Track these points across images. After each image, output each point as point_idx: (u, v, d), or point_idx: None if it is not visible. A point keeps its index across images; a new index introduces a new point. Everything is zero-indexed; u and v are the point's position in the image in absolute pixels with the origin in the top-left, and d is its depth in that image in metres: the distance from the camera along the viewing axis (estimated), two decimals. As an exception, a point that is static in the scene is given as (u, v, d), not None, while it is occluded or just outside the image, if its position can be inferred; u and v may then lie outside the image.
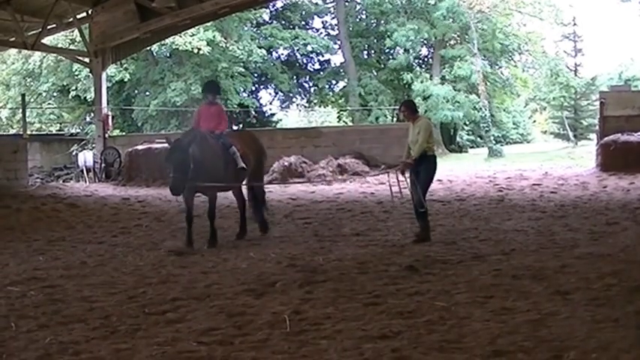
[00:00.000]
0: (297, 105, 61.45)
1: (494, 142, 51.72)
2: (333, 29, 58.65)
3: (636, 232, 14.30)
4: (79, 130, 47.40)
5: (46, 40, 35.01)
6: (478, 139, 62.29)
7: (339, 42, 55.86)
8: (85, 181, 31.46)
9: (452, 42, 56.84)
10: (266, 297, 9.70)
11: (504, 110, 65.72)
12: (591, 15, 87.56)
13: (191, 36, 43.58)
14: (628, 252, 12.18)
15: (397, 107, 14.12)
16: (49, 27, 31.90)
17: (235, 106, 48.73)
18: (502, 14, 55.96)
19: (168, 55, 47.50)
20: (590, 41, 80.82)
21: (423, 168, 13.92)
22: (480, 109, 51.79)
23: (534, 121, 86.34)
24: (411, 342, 7.55)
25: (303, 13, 57.58)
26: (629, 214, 16.89)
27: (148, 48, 41.59)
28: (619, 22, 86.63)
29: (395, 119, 51.35)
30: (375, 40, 57.76)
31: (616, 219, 16.20)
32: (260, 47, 49.48)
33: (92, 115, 40.08)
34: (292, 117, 65.20)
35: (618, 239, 13.51)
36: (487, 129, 51.57)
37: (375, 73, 56.70)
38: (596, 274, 10.46)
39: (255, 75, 52.64)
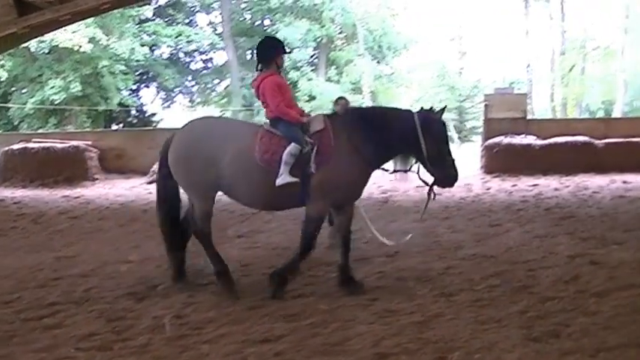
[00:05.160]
0: (180, 104, 60.98)
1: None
2: (217, 27, 58.24)
3: (519, 233, 14.54)
4: (-49, 129, 46.17)
5: None
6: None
7: (223, 41, 55.45)
8: (-42, 182, 30.59)
9: (339, 42, 57.08)
10: (147, 301, 9.60)
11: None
12: (476, 17, 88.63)
13: (72, 32, 42.79)
14: (511, 253, 12.41)
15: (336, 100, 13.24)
16: None
17: (116, 105, 48.07)
18: (389, 14, 56.52)
19: (47, 51, 46.48)
20: (475, 43, 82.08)
21: None
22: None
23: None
24: (295, 345, 7.56)
25: (187, 10, 57.16)
26: (512, 215, 17.17)
27: (26, 44, 40.71)
28: (504, 25, 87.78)
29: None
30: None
31: (499, 220, 16.44)
32: (142, 45, 48.90)
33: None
34: (174, 117, 64.63)
35: (501, 241, 13.72)
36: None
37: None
38: (480, 275, 10.63)
39: (137, 73, 52.00)
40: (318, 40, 54.32)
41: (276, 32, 52.74)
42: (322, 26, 53.08)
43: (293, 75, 52.20)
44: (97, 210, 20.53)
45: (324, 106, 48.31)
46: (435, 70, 59.90)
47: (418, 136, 9.96)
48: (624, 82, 57.32)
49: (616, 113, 55.93)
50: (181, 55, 56.68)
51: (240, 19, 58.07)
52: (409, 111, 10.50)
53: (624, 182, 23.99)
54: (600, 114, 59.22)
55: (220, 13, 56.54)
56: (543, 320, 8.23)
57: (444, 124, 10.27)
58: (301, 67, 53.49)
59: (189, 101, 60.81)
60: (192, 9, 57.80)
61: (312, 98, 50.84)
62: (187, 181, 10.38)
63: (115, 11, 41.47)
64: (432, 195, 10.38)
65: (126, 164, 30.32)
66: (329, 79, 54.20)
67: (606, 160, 26.56)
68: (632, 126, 29.62)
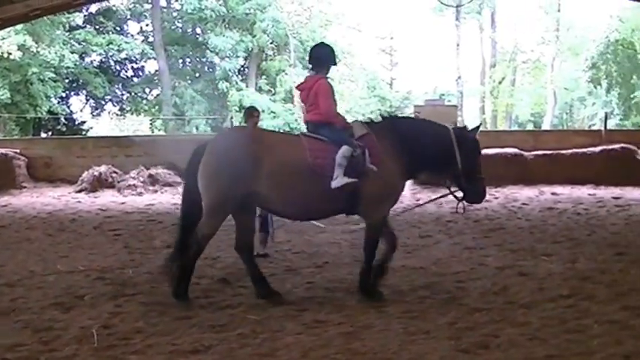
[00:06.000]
0: (110, 112, 60.39)
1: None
2: (148, 36, 57.75)
3: (448, 245, 14.65)
4: None
5: None
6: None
7: (154, 49, 54.97)
8: None
9: (270, 52, 57.00)
10: (74, 311, 9.47)
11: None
12: (407, 29, 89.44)
13: (1, 39, 42.22)
14: (440, 265, 12.50)
15: (248, 111, 13.21)
16: None
17: (45, 112, 47.51)
18: (320, 25, 56.64)
19: (-24, 58, 45.90)
20: (407, 55, 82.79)
21: None
22: (296, 119, 52.05)
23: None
24: (223, 356, 7.55)
25: (118, 18, 56.65)
26: (442, 227, 17.25)
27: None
28: (434, 37, 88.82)
29: (210, 128, 51.17)
30: (192, 49, 57.25)
31: (429, 232, 16.53)
32: (73, 52, 48.44)
33: None
34: (104, 125, 64.00)
35: (431, 252, 13.81)
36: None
37: (191, 82, 56.22)
38: (410, 286, 10.71)
39: (67, 81, 51.44)
40: (249, 50, 54.20)
41: (207, 41, 52.57)
42: (254, 36, 52.97)
43: (222, 85, 52.03)
44: (24, 219, 20.28)
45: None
46: (366, 81, 60.13)
47: (454, 152, 10.25)
48: (553, 95, 58.15)
49: (545, 125, 56.76)
50: (112, 63, 56.22)
51: (172, 27, 57.76)
52: (446, 126, 10.72)
53: (553, 194, 24.31)
54: (530, 126, 60.01)
55: (151, 22, 56.12)
56: (472, 331, 8.30)
57: (477, 142, 10.56)
58: (231, 76, 53.32)
59: (119, 110, 60.32)
60: (123, 17, 57.30)
61: (242, 108, 50.68)
62: (217, 193, 9.81)
63: (45, 18, 41.04)
64: (463, 209, 10.91)
65: (54, 173, 30.01)
66: (259, 89, 54.13)
67: (535, 172, 26.86)
68: (560, 138, 30.03)
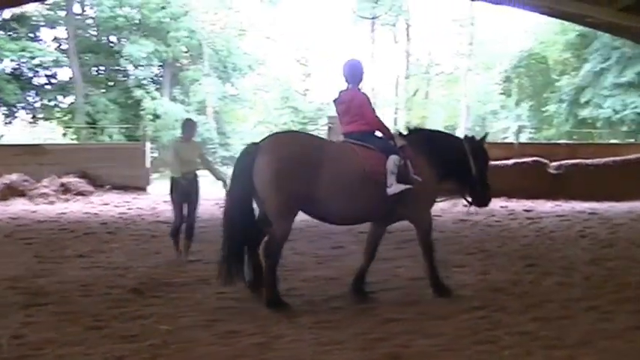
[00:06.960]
0: (22, 120, 59.50)
1: (221, 163, 51.87)
2: (62, 43, 57.08)
3: (361, 255, 14.64)
4: None
5: None
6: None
7: (67, 56, 54.27)
8: None
9: (185, 61, 56.77)
10: (-17, 321, 9.29)
11: (233, 131, 66.18)
12: (323, 40, 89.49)
13: None
14: (353, 275, 12.46)
15: (184, 124, 13.61)
16: None
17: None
18: (235, 34, 56.57)
19: None
20: (321, 65, 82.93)
21: (196, 189, 14.18)
22: (208, 129, 51.87)
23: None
24: (135, 367, 7.45)
25: (32, 24, 55.93)
26: (354, 237, 17.22)
27: None
28: (349, 48, 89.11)
29: (126, 138, 50.80)
30: (106, 57, 56.75)
31: (341, 243, 16.53)
32: (-15, 58, 47.86)
33: None
34: (16, 132, 63.07)
35: (344, 263, 13.81)
36: (214, 150, 51.67)
37: (104, 91, 55.72)
38: (322, 297, 10.71)
39: (-22, 87, 50.66)
40: (164, 59, 53.94)
41: (122, 50, 52.18)
42: (168, 46, 52.72)
43: (137, 93, 51.66)
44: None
45: (169, 125, 48.00)
46: (280, 92, 60.19)
47: (468, 160, 11.18)
48: (467, 108, 58.80)
49: (459, 138, 57.28)
50: (25, 69, 55.44)
51: (86, 35, 57.19)
52: (459, 137, 11.57)
53: (465, 206, 24.55)
54: (442, 139, 60.63)
55: (65, 29, 55.51)
56: (384, 342, 8.33)
57: (486, 150, 11.28)
58: (145, 85, 53.00)
59: (32, 117, 59.53)
60: (36, 24, 56.58)
61: (156, 117, 50.40)
62: (280, 198, 9.91)
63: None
64: (475, 211, 11.36)
65: (-36, 180, 29.52)
66: (174, 99, 53.85)
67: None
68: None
